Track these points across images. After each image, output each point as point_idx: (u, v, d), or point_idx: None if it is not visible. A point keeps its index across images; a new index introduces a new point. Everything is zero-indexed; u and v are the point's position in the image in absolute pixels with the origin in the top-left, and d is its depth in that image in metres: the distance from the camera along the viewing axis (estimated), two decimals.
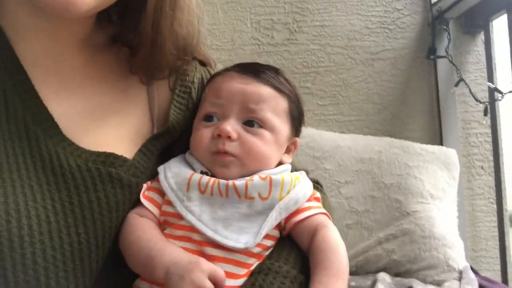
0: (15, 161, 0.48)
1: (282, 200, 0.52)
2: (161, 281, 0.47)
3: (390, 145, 1.24)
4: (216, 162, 0.54)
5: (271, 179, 0.52)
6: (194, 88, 0.64)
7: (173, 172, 0.54)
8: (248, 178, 0.53)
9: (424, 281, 1.03)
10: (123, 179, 0.52)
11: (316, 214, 0.54)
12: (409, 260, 1.06)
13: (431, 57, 1.38)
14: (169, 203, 0.52)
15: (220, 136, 0.53)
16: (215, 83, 0.58)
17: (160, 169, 0.56)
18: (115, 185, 0.51)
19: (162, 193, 0.54)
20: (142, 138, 0.58)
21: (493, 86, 1.27)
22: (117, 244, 0.52)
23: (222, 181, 0.52)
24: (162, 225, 0.53)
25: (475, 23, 1.38)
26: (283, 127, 0.57)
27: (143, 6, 0.54)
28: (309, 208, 0.54)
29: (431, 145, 1.28)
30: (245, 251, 0.50)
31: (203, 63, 0.67)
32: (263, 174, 0.53)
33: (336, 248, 0.51)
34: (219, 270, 0.46)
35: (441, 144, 1.37)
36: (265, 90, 0.55)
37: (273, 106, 0.55)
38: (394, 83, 1.41)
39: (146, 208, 0.53)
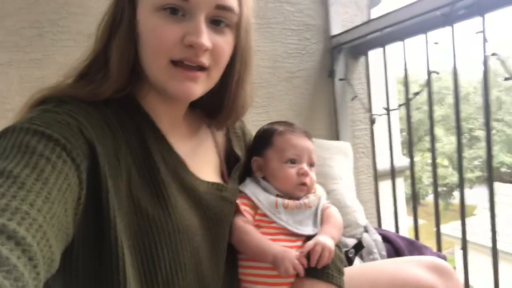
0: (177, 193, 0.73)
1: (319, 205, 0.93)
2: (270, 262, 0.81)
3: None
4: (298, 189, 0.90)
5: (319, 197, 0.93)
6: (240, 133, 0.97)
7: (262, 197, 0.88)
8: (307, 197, 0.91)
9: (345, 235, 1.56)
10: (229, 198, 0.83)
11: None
12: None
13: (330, 77, 1.90)
14: (263, 215, 0.88)
15: (303, 174, 0.90)
16: (292, 140, 0.92)
17: (248, 192, 0.88)
18: (226, 203, 0.82)
19: (253, 208, 0.88)
20: (217, 169, 0.88)
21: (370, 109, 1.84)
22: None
23: (296, 201, 0.89)
24: (256, 227, 0.88)
25: (360, 52, 1.92)
26: None
27: (225, 89, 0.79)
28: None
29: (335, 141, 1.82)
30: (307, 235, 0.90)
31: None
32: (314, 194, 0.93)
33: (335, 214, 0.93)
34: (299, 253, 0.82)
35: (338, 139, 1.92)
36: (312, 147, 0.94)
37: (313, 155, 0.95)
38: (307, 95, 1.88)
39: (246, 218, 0.87)
